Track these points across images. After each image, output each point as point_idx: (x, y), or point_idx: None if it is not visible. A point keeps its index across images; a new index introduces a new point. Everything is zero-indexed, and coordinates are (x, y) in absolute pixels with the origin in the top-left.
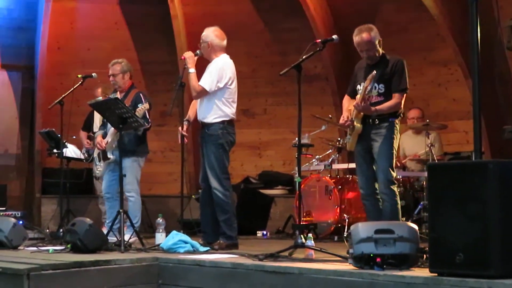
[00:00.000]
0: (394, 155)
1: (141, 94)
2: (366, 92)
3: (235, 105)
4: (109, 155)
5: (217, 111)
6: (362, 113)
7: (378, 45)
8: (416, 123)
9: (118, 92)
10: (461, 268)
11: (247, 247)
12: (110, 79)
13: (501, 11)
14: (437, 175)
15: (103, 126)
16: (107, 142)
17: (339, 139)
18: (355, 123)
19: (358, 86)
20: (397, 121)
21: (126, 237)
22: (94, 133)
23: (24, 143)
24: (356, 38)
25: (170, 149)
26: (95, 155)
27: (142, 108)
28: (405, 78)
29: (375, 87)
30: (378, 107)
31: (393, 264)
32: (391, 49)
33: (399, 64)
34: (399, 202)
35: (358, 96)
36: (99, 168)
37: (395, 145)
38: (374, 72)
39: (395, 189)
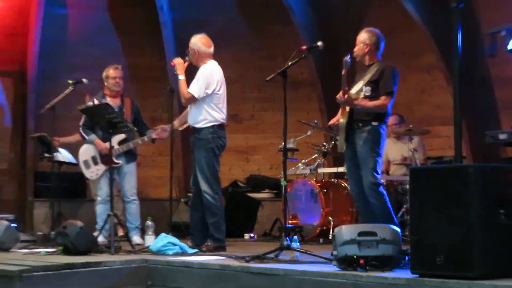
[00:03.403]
0: (377, 158)
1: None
2: (355, 92)
3: (224, 110)
4: (117, 160)
5: (206, 116)
6: (347, 109)
7: (367, 48)
8: (396, 129)
9: (110, 97)
10: (442, 269)
11: (234, 249)
12: (116, 81)
13: (482, 18)
14: (419, 179)
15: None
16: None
17: (324, 144)
18: (340, 119)
19: (352, 91)
20: (382, 126)
21: (136, 238)
22: None
23: (17, 147)
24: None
25: (159, 153)
26: (88, 157)
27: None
28: (391, 82)
29: (362, 89)
30: (361, 102)
31: (376, 265)
32: None
33: (388, 69)
34: (387, 201)
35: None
36: (94, 171)
37: (379, 149)
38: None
39: (381, 190)
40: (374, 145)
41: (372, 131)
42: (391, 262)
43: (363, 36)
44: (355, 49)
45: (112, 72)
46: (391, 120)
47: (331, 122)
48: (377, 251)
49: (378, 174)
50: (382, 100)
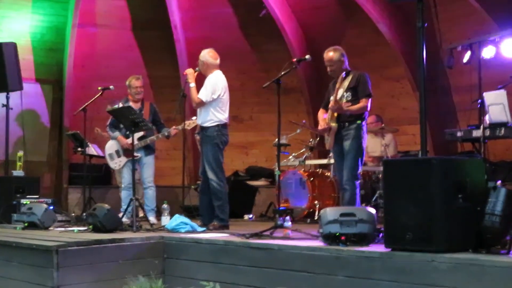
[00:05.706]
0: (361, 152)
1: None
2: (338, 98)
3: (227, 112)
4: (136, 153)
5: (212, 117)
6: (335, 114)
7: (341, 63)
8: (373, 127)
9: (133, 102)
10: (410, 244)
11: (236, 227)
12: (139, 90)
13: (443, 36)
14: (391, 169)
15: (123, 129)
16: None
17: (311, 140)
18: (331, 124)
19: (331, 98)
20: (363, 123)
21: (151, 218)
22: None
23: (54, 143)
24: (324, 55)
25: (173, 148)
26: (112, 151)
27: (192, 122)
28: (368, 86)
29: (344, 95)
30: (349, 107)
31: (354, 241)
32: (353, 68)
33: (362, 76)
34: (357, 193)
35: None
36: (117, 162)
37: (363, 144)
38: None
39: (357, 183)
40: (358, 140)
41: (356, 128)
42: (368, 239)
43: (335, 54)
44: (332, 68)
45: (134, 82)
46: (371, 119)
47: (320, 127)
48: (356, 229)
49: (359, 167)
50: (363, 102)
